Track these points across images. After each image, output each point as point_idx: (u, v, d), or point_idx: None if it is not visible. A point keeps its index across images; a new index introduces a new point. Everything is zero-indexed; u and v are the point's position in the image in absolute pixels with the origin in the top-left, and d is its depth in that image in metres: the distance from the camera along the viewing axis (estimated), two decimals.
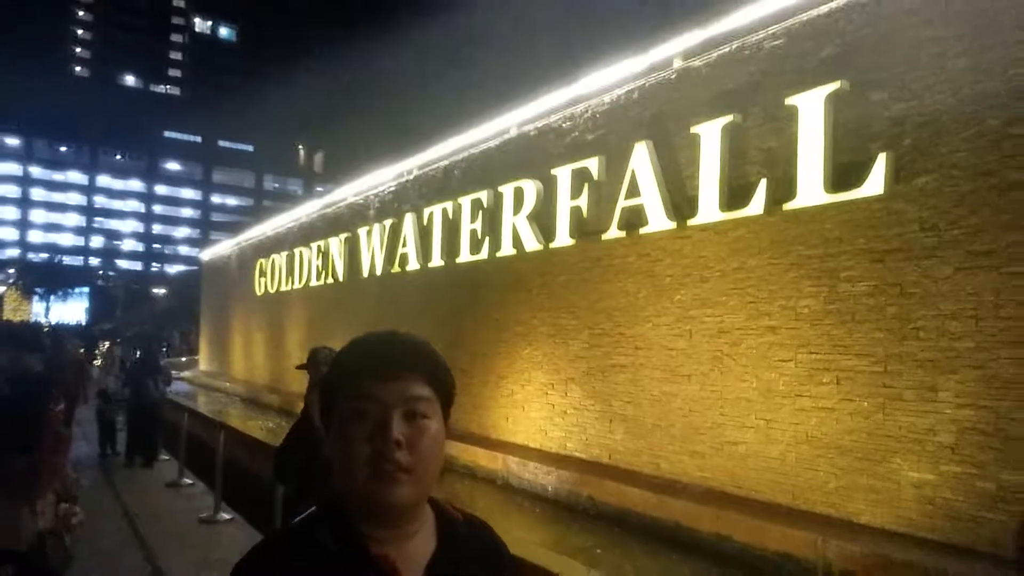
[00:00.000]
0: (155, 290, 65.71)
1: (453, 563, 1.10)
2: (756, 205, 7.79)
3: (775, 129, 7.74)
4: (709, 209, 8.32)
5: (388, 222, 15.32)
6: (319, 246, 18.79)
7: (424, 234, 13.97)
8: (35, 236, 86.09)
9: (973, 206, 6.19)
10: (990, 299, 6.03)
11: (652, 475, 8.67)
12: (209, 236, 78.27)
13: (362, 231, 16.51)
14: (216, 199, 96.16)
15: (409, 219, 14.40)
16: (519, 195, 11.26)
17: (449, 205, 13.16)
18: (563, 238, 10.47)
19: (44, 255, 78.98)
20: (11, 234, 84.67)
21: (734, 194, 8.09)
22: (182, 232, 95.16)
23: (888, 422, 6.64)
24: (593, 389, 9.89)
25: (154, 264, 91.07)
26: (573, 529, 8.49)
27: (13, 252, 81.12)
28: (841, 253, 7.10)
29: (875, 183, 6.73)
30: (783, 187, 7.57)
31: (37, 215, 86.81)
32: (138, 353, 14.62)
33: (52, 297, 67.70)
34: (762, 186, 7.73)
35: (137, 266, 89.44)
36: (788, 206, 7.48)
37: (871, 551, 6.16)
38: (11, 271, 71.03)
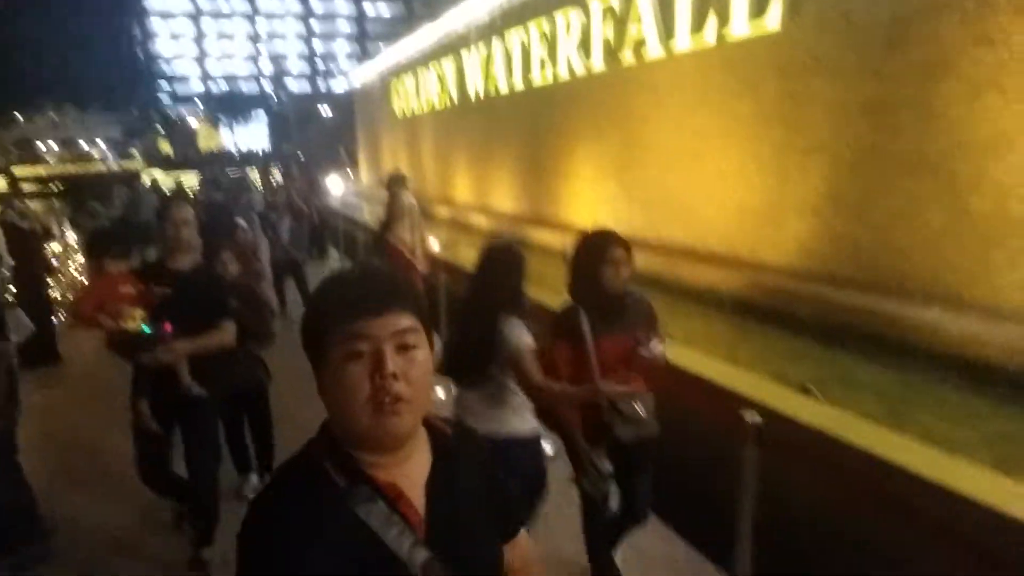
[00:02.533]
0: (322, 109, 72.35)
1: (448, 476, 1.23)
2: (710, 35, 10.53)
3: None
4: (684, 38, 11.10)
5: (483, 48, 18.62)
6: (437, 71, 22.44)
7: (508, 59, 17.23)
8: (212, 67, 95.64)
9: (835, 36, 8.78)
10: (840, 105, 8.79)
11: (652, 240, 12.24)
12: (367, 49, 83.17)
13: (465, 55, 19.93)
14: (369, 8, 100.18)
15: (497, 45, 17.63)
16: (569, 24, 14.20)
17: (524, 33, 16.24)
18: (598, 63, 13.49)
19: (223, 85, 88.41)
20: (193, 69, 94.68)
21: (696, 25, 10.80)
22: (342, 48, 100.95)
23: (785, 192, 9.73)
24: (621, 180, 13.34)
25: (320, 82, 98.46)
26: None
27: (198, 87, 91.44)
28: (760, 69, 9.86)
29: (774, 17, 9.37)
30: (726, 20, 10.23)
31: (211, 46, 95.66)
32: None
33: (235, 124, 76.91)
34: (712, 20, 10.42)
35: (305, 87, 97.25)
36: (729, 35, 10.20)
37: (758, 279, 9.64)
38: (199, 103, 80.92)
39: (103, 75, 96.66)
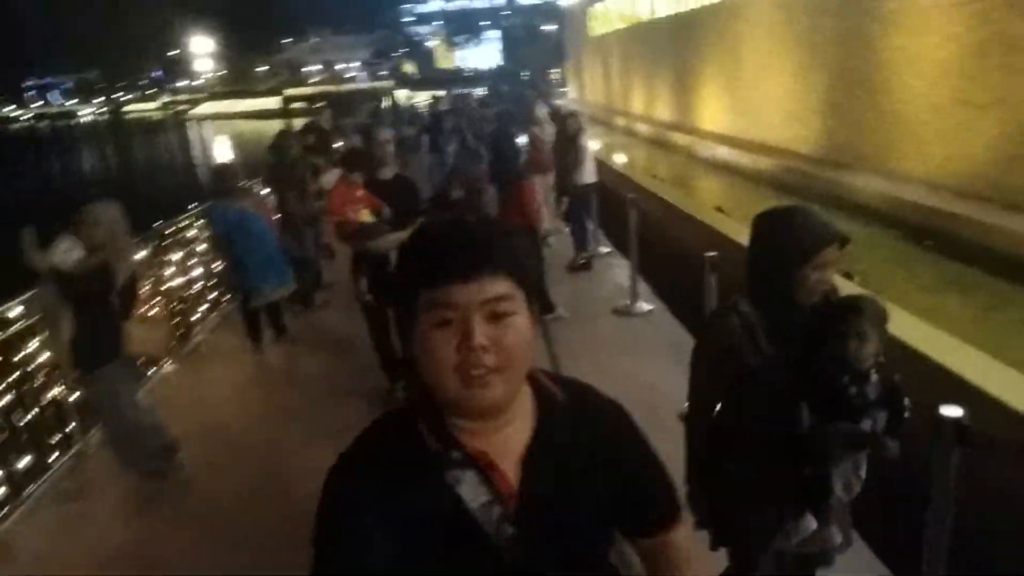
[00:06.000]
0: (545, 27, 77.36)
1: (550, 447, 1.16)
2: None
3: None
4: None
5: None
6: None
7: None
8: None
9: None
10: None
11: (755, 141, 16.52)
12: None
13: None
14: None
15: None
16: None
17: None
18: None
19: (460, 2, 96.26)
20: None
21: None
22: None
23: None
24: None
25: None
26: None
27: (437, 5, 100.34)
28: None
29: None
30: None
31: None
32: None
33: (468, 44, 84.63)
34: None
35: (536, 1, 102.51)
36: None
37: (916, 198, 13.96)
38: (436, 23, 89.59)
39: None
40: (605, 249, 9.95)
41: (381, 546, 1.08)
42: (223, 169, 6.90)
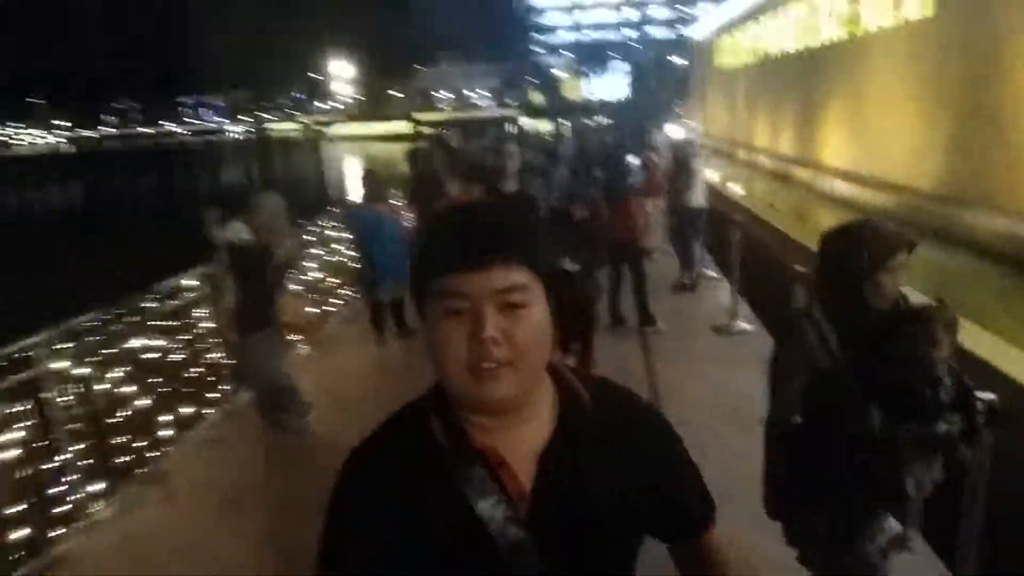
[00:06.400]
0: (673, 59, 77.37)
1: (570, 448, 1.10)
2: None
3: None
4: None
5: (775, 16, 23.14)
6: (745, 32, 27.17)
7: (792, 26, 21.70)
8: (580, 16, 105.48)
9: None
10: None
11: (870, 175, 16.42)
12: None
13: (764, 20, 24.52)
14: None
15: (783, 15, 22.12)
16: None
17: (803, 6, 20.65)
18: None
19: (589, 35, 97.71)
20: (563, 19, 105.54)
21: None
22: None
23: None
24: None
25: (680, 27, 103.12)
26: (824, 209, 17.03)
27: (567, 37, 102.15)
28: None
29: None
30: None
31: None
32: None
33: (595, 75, 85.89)
34: None
35: (667, 33, 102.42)
36: None
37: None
38: (566, 54, 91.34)
39: (487, 29, 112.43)
40: (711, 273, 10.12)
41: (385, 540, 1.07)
42: (369, 175, 7.70)
